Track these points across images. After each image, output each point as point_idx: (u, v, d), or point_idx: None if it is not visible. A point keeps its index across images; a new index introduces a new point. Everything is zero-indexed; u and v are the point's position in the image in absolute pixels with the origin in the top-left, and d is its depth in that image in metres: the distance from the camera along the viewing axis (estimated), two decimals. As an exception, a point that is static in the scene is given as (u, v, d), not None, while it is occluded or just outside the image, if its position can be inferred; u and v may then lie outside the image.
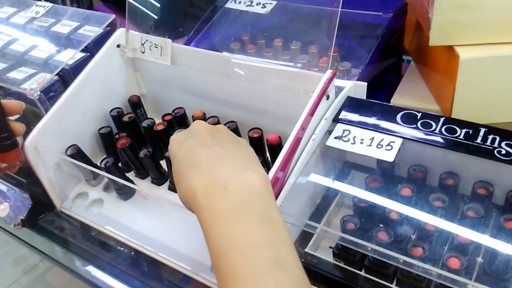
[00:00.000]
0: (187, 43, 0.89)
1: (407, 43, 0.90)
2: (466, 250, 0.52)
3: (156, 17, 0.99)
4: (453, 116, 0.68)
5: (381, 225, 0.56)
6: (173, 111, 0.77)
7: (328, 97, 0.62)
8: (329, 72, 0.61)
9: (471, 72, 0.64)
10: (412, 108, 0.75)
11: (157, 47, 0.77)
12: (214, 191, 0.42)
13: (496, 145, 0.54)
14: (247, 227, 0.40)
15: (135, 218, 0.71)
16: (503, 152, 0.53)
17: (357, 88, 0.67)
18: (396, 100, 0.78)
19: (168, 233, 0.66)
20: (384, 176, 0.61)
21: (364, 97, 0.67)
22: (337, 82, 0.65)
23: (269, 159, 0.70)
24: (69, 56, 0.82)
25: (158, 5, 0.99)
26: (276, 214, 0.43)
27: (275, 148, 0.66)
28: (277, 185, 0.56)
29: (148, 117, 0.83)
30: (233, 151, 0.47)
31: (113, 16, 0.87)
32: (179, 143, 0.49)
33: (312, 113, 0.59)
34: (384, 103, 0.64)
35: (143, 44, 0.79)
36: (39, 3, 0.96)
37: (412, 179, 0.60)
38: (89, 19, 0.89)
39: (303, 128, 0.58)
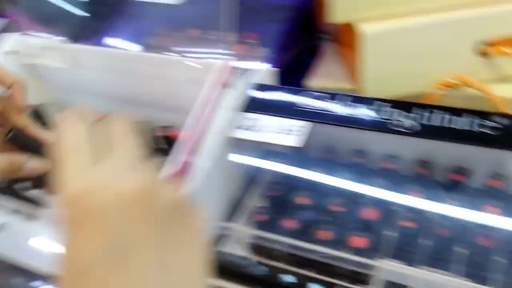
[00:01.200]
0: (97, 42, 0.86)
1: (320, 23, 0.89)
2: (374, 228, 0.51)
3: (63, 16, 0.94)
4: (364, 93, 0.68)
5: (290, 214, 0.55)
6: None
7: (229, 86, 0.60)
8: (225, 59, 0.59)
9: (375, 47, 0.64)
10: (328, 89, 0.75)
11: (55, 50, 0.73)
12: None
13: (394, 116, 0.53)
14: None
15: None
16: (401, 124, 0.53)
17: (267, 74, 0.65)
18: (312, 82, 0.77)
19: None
20: (296, 161, 0.60)
21: (275, 82, 0.66)
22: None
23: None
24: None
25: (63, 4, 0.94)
26: None
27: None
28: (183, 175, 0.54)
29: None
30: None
31: (5, 20, 0.82)
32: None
33: (209, 103, 0.57)
34: (292, 87, 0.62)
35: (41, 48, 0.74)
36: None
37: (324, 162, 0.59)
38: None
39: (199, 121, 0.56)
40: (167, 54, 0.79)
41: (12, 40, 0.75)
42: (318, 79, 0.77)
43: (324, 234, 0.52)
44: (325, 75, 0.78)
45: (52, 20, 0.87)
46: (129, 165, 0.31)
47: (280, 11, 0.81)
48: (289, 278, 0.54)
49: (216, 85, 0.58)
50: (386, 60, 0.65)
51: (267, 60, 0.77)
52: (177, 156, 0.54)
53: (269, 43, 0.79)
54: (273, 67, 0.77)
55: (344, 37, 0.75)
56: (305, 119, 0.57)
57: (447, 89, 0.67)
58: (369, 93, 0.67)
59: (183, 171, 0.53)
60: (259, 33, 0.82)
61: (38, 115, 0.78)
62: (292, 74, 0.86)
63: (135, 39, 0.90)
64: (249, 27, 0.85)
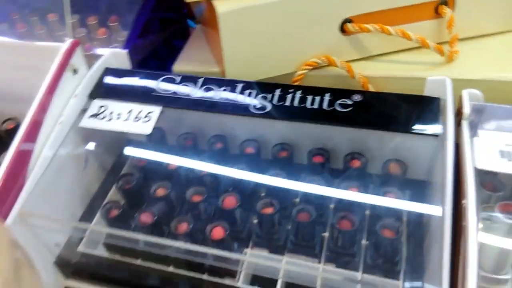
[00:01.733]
0: None
1: (189, 9, 0.84)
2: (232, 216, 0.48)
3: None
4: (226, 75, 0.64)
5: (145, 207, 0.50)
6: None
7: (75, 71, 0.54)
8: (68, 42, 0.53)
9: (232, 27, 0.60)
10: (195, 73, 0.70)
11: None
12: None
13: (252, 99, 0.51)
14: None
15: None
16: (258, 106, 0.50)
17: (118, 57, 0.59)
18: (178, 67, 0.72)
19: None
20: (153, 150, 0.55)
21: (128, 65, 0.60)
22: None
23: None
24: None
25: None
26: None
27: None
28: (19, 175, 0.47)
29: None
30: None
31: None
32: None
33: (51, 90, 0.50)
34: (144, 71, 0.57)
35: None
36: None
37: (183, 149, 0.55)
38: None
39: (42, 110, 0.50)
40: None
41: None
42: (184, 64, 0.72)
43: (182, 226, 0.47)
44: (192, 59, 0.73)
45: None
46: None
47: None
48: (151, 278, 0.50)
49: (61, 69, 0.52)
50: (246, 40, 0.62)
51: (128, 45, 0.72)
52: (12, 147, 0.47)
53: (130, 26, 0.74)
54: (135, 51, 0.72)
55: (208, 18, 0.71)
56: (156, 104, 0.52)
57: (313, 70, 0.65)
58: (231, 76, 0.64)
59: (17, 163, 0.46)
60: (118, 15, 0.76)
61: None
62: (163, 59, 0.81)
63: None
64: (108, 9, 0.78)
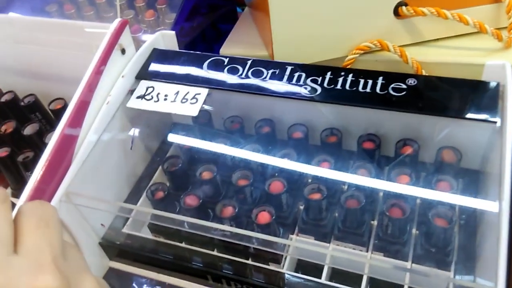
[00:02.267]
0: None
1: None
2: (278, 201, 0.47)
3: None
4: (275, 58, 0.63)
5: (190, 189, 0.49)
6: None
7: (123, 51, 0.54)
8: (116, 22, 0.52)
9: (282, 8, 0.58)
10: (243, 55, 0.69)
11: None
12: None
13: (301, 82, 0.49)
14: None
15: None
16: (308, 89, 0.48)
17: (166, 39, 0.59)
18: (225, 50, 0.71)
19: None
20: (199, 132, 0.55)
21: (176, 47, 0.60)
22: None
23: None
24: None
25: None
26: None
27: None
28: (65, 154, 0.47)
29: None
30: None
31: None
32: None
33: (99, 70, 0.50)
34: (191, 52, 0.56)
35: None
36: None
37: (229, 132, 0.54)
38: None
39: (90, 89, 0.50)
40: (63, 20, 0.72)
41: None
42: (232, 47, 0.71)
43: (228, 210, 0.47)
44: (239, 42, 0.72)
45: None
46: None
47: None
48: (195, 261, 0.50)
49: (109, 49, 0.52)
50: (296, 23, 0.60)
51: (176, 27, 0.71)
52: (59, 128, 0.47)
53: (178, 9, 0.73)
54: (183, 34, 0.71)
55: (257, 0, 0.70)
56: (203, 85, 0.52)
57: (363, 54, 0.63)
58: (279, 58, 0.63)
59: (63, 144, 0.47)
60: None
61: None
62: (210, 42, 0.81)
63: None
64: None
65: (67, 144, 0.47)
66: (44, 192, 0.44)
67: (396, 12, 0.61)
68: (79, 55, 0.57)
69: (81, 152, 0.48)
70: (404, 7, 0.61)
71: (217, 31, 0.82)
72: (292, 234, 0.48)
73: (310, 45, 0.63)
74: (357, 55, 0.63)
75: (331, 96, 0.47)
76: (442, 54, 0.63)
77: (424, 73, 0.61)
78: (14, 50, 0.64)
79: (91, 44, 0.54)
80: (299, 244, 0.44)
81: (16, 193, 0.59)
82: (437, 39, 0.65)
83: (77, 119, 0.48)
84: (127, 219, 0.53)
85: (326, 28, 0.61)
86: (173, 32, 0.59)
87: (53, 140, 0.46)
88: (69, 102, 0.49)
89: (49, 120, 0.62)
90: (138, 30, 0.74)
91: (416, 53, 0.62)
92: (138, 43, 0.57)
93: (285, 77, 0.50)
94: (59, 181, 0.46)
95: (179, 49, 0.61)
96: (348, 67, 0.63)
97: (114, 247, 0.52)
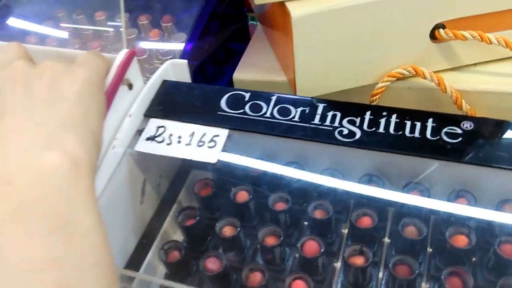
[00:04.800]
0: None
1: (248, 5, 0.77)
2: (317, 268, 0.41)
3: None
4: (297, 86, 0.56)
5: (212, 250, 0.43)
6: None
7: (130, 86, 0.47)
8: (123, 53, 0.46)
9: (307, 33, 0.52)
10: (258, 81, 0.63)
11: None
12: None
13: (336, 123, 0.42)
14: (25, 238, 0.28)
15: None
16: (345, 132, 0.42)
17: (176, 68, 0.52)
18: (239, 74, 0.64)
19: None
20: (218, 179, 0.48)
21: (188, 77, 0.53)
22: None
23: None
24: None
25: None
26: (81, 214, 0.30)
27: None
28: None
29: None
30: (42, 115, 0.34)
31: None
32: None
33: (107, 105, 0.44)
34: (207, 85, 0.50)
35: None
36: None
37: (252, 179, 0.48)
38: None
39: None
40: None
41: None
42: (246, 71, 0.64)
43: (255, 277, 0.40)
44: (254, 65, 0.65)
45: None
46: None
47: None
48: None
49: (116, 84, 0.45)
50: (321, 47, 0.54)
51: (187, 51, 0.65)
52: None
53: (187, 27, 0.66)
54: (193, 55, 0.65)
55: (276, 20, 0.63)
56: (222, 125, 0.45)
57: (396, 81, 0.57)
58: (302, 86, 0.56)
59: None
60: (174, 15, 0.69)
61: None
62: (220, 64, 0.74)
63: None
64: (163, 8, 0.72)
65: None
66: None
67: (433, 36, 0.55)
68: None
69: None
70: (442, 30, 0.54)
71: (227, 50, 0.76)
72: (327, 298, 0.42)
73: (337, 72, 0.56)
74: (389, 82, 0.57)
75: (373, 141, 0.41)
76: (484, 82, 0.57)
77: (464, 103, 0.55)
78: None
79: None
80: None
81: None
82: (477, 63, 0.59)
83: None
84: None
85: (354, 53, 0.55)
86: (185, 61, 0.52)
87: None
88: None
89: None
90: (142, 52, 0.68)
91: (453, 79, 0.56)
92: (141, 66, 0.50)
93: (317, 117, 0.43)
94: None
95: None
96: (377, 96, 0.57)
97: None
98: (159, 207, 0.52)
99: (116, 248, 0.47)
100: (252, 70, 0.65)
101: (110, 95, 0.44)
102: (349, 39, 0.53)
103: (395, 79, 0.57)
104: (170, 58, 0.60)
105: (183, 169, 0.53)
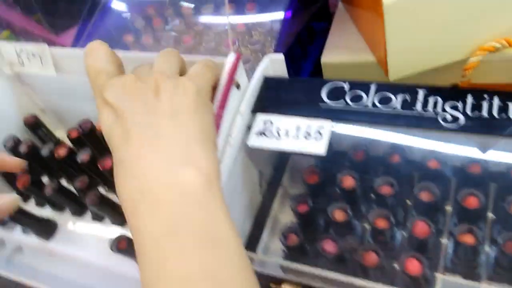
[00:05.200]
0: (78, 37, 0.76)
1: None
2: (427, 247, 0.44)
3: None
4: (389, 65, 0.58)
5: (326, 233, 0.47)
6: (79, 126, 0.65)
7: (238, 86, 0.51)
8: (232, 57, 0.50)
9: (398, 17, 0.53)
10: (347, 63, 0.65)
11: (35, 56, 0.64)
12: (140, 204, 0.33)
13: (439, 109, 0.45)
14: (180, 252, 0.32)
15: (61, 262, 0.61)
16: (448, 118, 0.44)
17: (274, 63, 0.56)
18: (327, 58, 0.67)
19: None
20: (323, 167, 0.52)
21: (284, 70, 0.56)
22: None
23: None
24: None
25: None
26: (221, 225, 0.34)
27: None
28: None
29: (56, 133, 0.74)
30: (176, 131, 0.36)
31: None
32: (112, 107, 0.36)
33: (221, 109, 0.48)
34: (305, 78, 0.54)
35: (19, 55, 0.66)
36: None
37: (354, 166, 0.51)
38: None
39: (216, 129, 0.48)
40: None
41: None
42: (333, 53, 0.67)
43: (370, 257, 0.44)
44: (340, 47, 0.67)
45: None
46: None
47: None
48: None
49: (228, 86, 0.49)
50: (413, 27, 0.55)
51: (280, 43, 0.67)
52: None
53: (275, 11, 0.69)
54: (281, 44, 0.68)
55: (359, 2, 0.65)
56: (325, 117, 0.48)
57: (487, 55, 0.57)
58: (395, 65, 0.58)
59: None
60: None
61: (35, 126, 0.70)
62: (304, 46, 0.76)
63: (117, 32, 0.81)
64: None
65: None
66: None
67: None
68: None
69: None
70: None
71: (310, 31, 0.78)
72: (436, 271, 0.45)
73: (429, 49, 0.57)
74: (481, 56, 0.57)
75: (477, 125, 0.42)
76: None
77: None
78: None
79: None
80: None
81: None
82: None
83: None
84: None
85: (445, 30, 0.55)
86: (282, 56, 0.55)
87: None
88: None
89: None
90: (240, 26, 0.71)
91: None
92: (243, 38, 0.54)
93: (419, 104, 0.46)
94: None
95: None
96: (469, 71, 0.57)
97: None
98: (266, 193, 0.56)
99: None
100: (339, 52, 0.67)
101: (224, 97, 0.48)
102: (441, 15, 0.54)
103: (487, 52, 0.57)
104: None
105: (284, 157, 0.57)
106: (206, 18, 0.77)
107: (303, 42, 0.76)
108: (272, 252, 0.54)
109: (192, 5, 0.78)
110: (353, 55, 0.65)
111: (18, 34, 0.97)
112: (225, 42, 0.73)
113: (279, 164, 0.59)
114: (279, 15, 0.69)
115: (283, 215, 0.56)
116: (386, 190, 0.47)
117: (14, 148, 0.66)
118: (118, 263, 0.54)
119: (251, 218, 0.55)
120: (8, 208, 0.39)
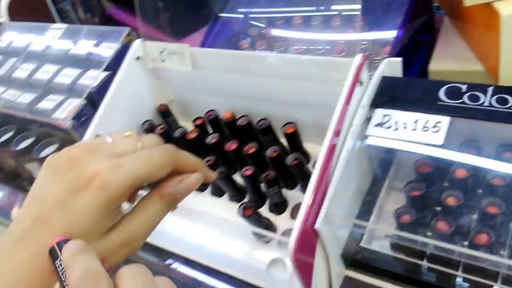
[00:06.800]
0: (206, 37, 0.87)
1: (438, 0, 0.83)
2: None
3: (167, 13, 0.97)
4: (501, 75, 0.63)
5: (439, 214, 0.52)
6: (206, 114, 0.75)
7: (361, 83, 0.58)
8: (359, 57, 0.57)
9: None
10: (454, 71, 0.70)
11: (175, 54, 0.75)
12: None
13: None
14: None
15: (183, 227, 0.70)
16: None
17: (391, 66, 0.62)
18: (435, 65, 0.72)
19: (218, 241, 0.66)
20: (434, 159, 0.57)
21: (400, 74, 0.63)
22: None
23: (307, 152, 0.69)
24: (93, 78, 0.82)
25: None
26: None
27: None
28: (323, 183, 0.53)
29: (179, 122, 0.84)
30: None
31: (127, 29, 0.86)
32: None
33: (347, 103, 0.55)
34: (422, 79, 0.59)
35: (161, 53, 0.76)
36: (54, 25, 0.95)
37: (466, 159, 0.56)
38: (105, 36, 0.88)
39: (341, 120, 0.55)
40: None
41: (135, 47, 0.77)
42: (441, 62, 0.72)
43: (482, 237, 0.49)
44: (448, 56, 0.73)
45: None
46: None
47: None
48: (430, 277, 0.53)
49: (354, 83, 0.57)
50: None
51: (387, 44, 0.74)
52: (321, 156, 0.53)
53: (386, 25, 0.76)
54: (400, 44, 0.74)
55: (471, 16, 0.70)
56: (443, 113, 0.54)
57: None
58: (506, 75, 0.62)
59: (322, 175, 0.53)
60: (374, 14, 0.78)
61: (166, 114, 0.81)
62: (410, 55, 0.82)
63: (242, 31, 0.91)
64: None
65: (325, 171, 0.53)
66: (313, 215, 0.51)
67: None
68: (313, 85, 0.64)
69: (335, 178, 0.54)
70: None
71: (414, 42, 0.83)
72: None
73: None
74: None
75: None
76: None
77: None
78: (249, 82, 0.72)
79: (330, 75, 0.60)
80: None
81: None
82: None
83: (329, 154, 0.54)
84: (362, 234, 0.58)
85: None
86: (399, 60, 0.62)
87: (317, 169, 0.52)
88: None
89: (278, 142, 0.69)
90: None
91: None
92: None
93: (533, 104, 0.50)
94: (320, 204, 0.52)
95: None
96: None
97: (351, 258, 0.58)
98: (374, 183, 0.63)
99: (347, 212, 0.59)
100: (447, 61, 0.72)
101: (350, 92, 0.56)
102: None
103: None
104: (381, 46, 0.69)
105: (392, 154, 0.63)
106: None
107: (408, 52, 0.82)
108: (377, 237, 0.59)
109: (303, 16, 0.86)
110: (460, 63, 0.71)
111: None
112: (335, 49, 0.81)
113: (387, 160, 0.64)
114: (392, 33, 0.75)
115: (388, 205, 0.62)
116: (497, 182, 0.52)
117: (149, 130, 0.77)
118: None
119: (359, 203, 0.61)
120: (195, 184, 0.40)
